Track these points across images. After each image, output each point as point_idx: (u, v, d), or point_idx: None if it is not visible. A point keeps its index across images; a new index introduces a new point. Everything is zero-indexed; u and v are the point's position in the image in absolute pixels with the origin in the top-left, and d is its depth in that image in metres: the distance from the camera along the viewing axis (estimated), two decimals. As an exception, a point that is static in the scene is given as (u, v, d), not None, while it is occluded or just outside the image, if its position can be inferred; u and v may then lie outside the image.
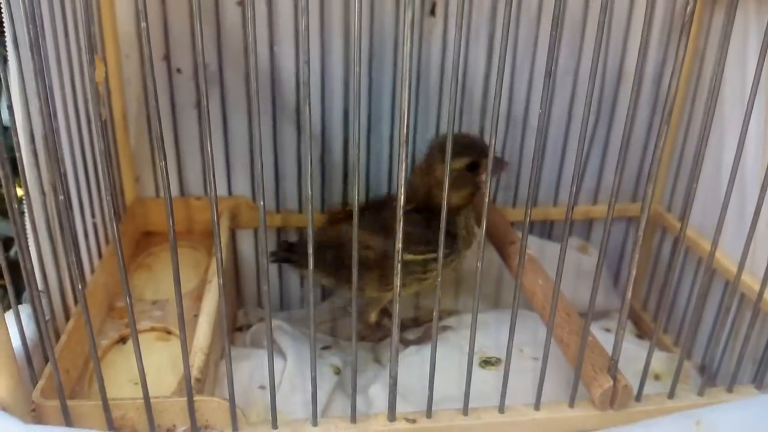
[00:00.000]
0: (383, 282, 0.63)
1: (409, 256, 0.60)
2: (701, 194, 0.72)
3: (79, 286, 0.41)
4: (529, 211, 0.45)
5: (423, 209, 0.61)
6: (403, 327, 0.70)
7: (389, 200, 0.69)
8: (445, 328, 0.67)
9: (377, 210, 0.66)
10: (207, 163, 0.39)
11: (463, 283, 0.76)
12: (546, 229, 0.84)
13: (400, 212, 0.41)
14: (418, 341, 0.67)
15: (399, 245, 0.42)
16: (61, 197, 0.40)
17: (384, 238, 0.61)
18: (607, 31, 0.74)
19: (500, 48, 0.37)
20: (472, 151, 0.61)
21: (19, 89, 0.47)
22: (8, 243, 0.49)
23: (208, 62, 0.71)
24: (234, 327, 0.75)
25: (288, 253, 0.70)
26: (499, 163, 0.62)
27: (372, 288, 0.64)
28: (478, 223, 0.61)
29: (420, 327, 0.71)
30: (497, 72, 0.38)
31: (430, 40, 0.72)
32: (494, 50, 0.73)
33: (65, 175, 0.54)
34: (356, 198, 0.41)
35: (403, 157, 0.39)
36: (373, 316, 0.68)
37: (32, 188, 0.49)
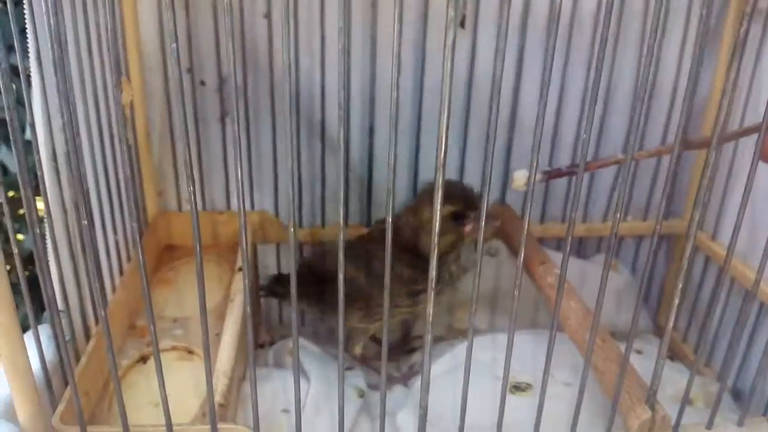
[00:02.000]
0: (368, 314, 0.62)
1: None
2: (734, 213, 0.71)
3: (102, 313, 0.40)
4: (569, 239, 0.43)
5: (408, 249, 0.61)
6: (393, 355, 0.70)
7: (377, 230, 0.68)
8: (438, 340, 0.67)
9: (368, 240, 0.66)
10: (236, 181, 0.37)
11: (499, 303, 0.75)
12: (574, 246, 0.82)
13: (433, 245, 0.40)
14: (403, 379, 0.66)
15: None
16: (85, 222, 0.39)
17: (367, 271, 0.61)
18: (640, 49, 0.72)
19: (543, 83, 0.35)
20: (458, 201, 0.60)
21: (42, 107, 0.46)
22: (30, 258, 0.48)
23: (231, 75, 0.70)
24: (256, 344, 0.74)
25: (275, 286, 0.70)
26: (488, 219, 0.60)
27: (356, 319, 0.63)
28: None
29: (410, 355, 0.71)
30: (539, 107, 0.37)
31: (459, 52, 0.71)
32: (524, 66, 0.72)
33: (88, 192, 0.53)
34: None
35: (440, 183, 0.38)
36: (357, 348, 0.67)
37: (54, 206, 0.48)
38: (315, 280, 0.62)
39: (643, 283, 0.47)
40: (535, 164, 0.40)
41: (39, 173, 0.46)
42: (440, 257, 0.60)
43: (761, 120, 0.41)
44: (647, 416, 0.47)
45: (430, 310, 0.42)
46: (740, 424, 0.51)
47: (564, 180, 0.78)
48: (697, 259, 0.78)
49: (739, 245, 0.68)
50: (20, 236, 0.88)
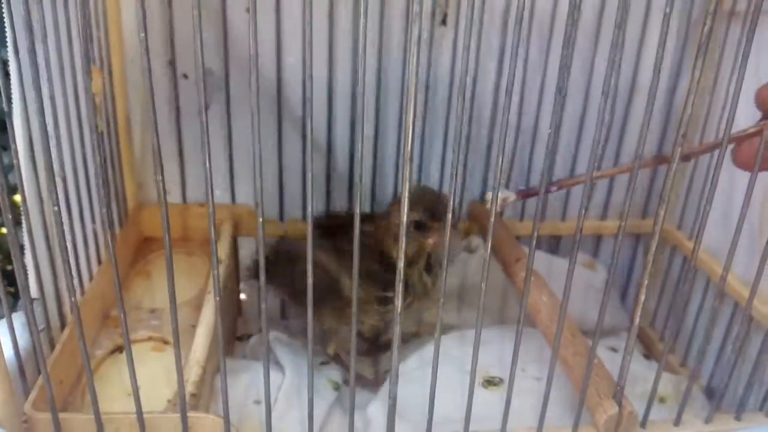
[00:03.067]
0: (339, 314, 0.62)
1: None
2: (713, 213, 0.71)
3: (74, 298, 0.40)
4: (536, 228, 0.44)
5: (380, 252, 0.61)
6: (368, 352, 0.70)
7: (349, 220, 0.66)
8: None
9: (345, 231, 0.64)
10: (206, 173, 0.38)
11: (466, 297, 0.75)
12: (554, 245, 0.82)
13: (403, 230, 0.40)
14: (375, 384, 0.66)
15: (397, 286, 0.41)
16: (55, 208, 0.39)
17: (338, 266, 0.61)
18: (621, 45, 0.72)
19: (509, 70, 0.35)
20: (422, 211, 0.59)
21: (19, 97, 0.46)
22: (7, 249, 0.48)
23: (214, 68, 0.70)
24: (234, 336, 0.74)
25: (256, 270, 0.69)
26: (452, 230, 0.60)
27: (329, 318, 0.64)
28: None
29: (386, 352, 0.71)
30: (503, 104, 0.37)
31: (440, 50, 0.71)
32: (504, 62, 0.72)
33: (65, 180, 0.53)
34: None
35: (407, 175, 0.38)
36: (330, 348, 0.67)
37: (30, 196, 0.48)
38: (292, 270, 0.62)
39: (611, 276, 0.48)
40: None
41: (15, 161, 0.46)
42: (407, 265, 0.60)
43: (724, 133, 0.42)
44: (614, 411, 0.48)
45: (398, 302, 0.42)
46: (708, 420, 0.52)
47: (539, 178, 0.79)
48: (676, 258, 0.79)
49: (718, 245, 0.69)
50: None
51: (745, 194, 0.45)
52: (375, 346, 0.71)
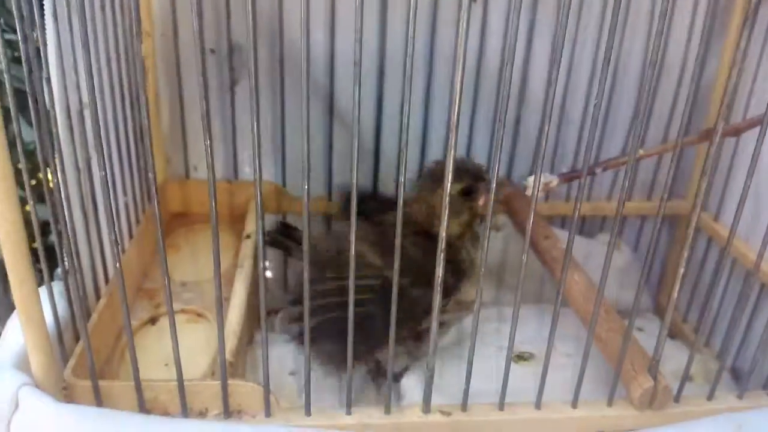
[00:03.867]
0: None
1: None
2: (733, 187, 0.71)
3: (117, 264, 0.41)
4: (578, 208, 0.44)
5: (423, 233, 0.58)
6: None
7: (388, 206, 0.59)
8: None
9: (379, 220, 0.61)
10: (254, 149, 0.38)
11: (505, 277, 0.75)
12: (578, 225, 0.82)
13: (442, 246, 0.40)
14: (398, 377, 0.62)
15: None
16: (103, 173, 0.40)
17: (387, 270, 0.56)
18: (649, 24, 0.72)
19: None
20: (465, 176, 0.59)
21: (57, 62, 0.46)
22: (45, 228, 0.49)
23: (242, 43, 0.70)
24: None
25: (283, 237, 0.66)
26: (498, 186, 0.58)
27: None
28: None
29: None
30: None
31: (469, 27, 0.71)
32: (534, 40, 0.72)
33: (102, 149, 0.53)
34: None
35: (452, 143, 0.38)
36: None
37: (67, 164, 0.48)
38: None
39: (646, 263, 0.47)
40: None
41: (54, 130, 0.46)
42: (460, 240, 0.59)
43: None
44: (649, 385, 0.48)
45: (440, 272, 0.42)
46: (740, 397, 0.52)
47: (569, 160, 0.78)
48: (700, 239, 0.79)
49: (742, 226, 0.69)
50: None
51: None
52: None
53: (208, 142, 0.37)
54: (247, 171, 0.75)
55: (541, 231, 0.66)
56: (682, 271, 0.46)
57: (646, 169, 0.79)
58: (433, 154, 0.75)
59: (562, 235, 0.79)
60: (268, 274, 0.79)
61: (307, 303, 0.42)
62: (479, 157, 0.75)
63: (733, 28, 0.72)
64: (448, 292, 0.59)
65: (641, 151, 0.55)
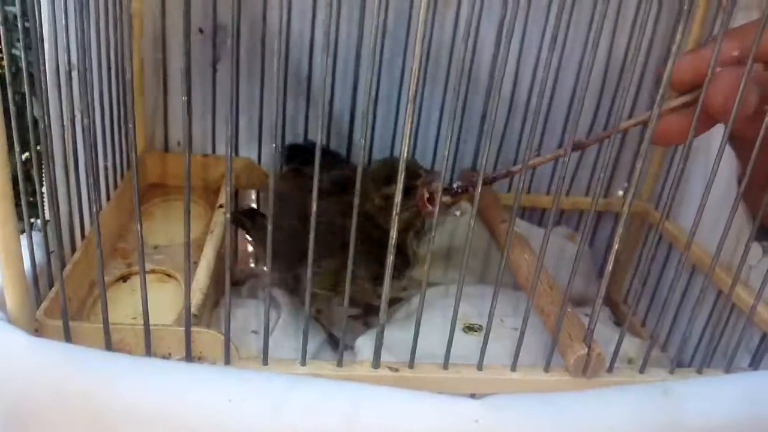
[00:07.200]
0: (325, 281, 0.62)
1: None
2: (688, 190, 0.75)
3: (94, 209, 0.44)
4: (519, 192, 0.47)
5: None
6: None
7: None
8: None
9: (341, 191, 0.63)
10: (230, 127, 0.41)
11: (452, 259, 0.79)
12: (536, 217, 0.86)
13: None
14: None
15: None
16: (86, 120, 0.43)
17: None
18: (615, 21, 0.76)
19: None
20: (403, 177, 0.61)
21: (49, 21, 0.49)
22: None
23: (226, 23, 0.73)
24: (231, 281, 0.77)
25: (243, 217, 0.68)
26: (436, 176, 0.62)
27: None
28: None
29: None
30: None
31: (442, 20, 0.75)
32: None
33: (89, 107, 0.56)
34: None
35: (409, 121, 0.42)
36: (313, 309, 0.66)
37: (54, 120, 0.51)
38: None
39: (581, 245, 0.51)
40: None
41: (41, 85, 0.49)
42: (407, 232, 0.63)
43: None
44: (583, 352, 0.52)
45: (393, 234, 0.46)
46: (671, 372, 0.56)
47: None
48: (651, 237, 0.83)
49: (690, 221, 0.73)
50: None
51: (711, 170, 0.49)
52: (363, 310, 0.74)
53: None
54: (223, 146, 0.78)
55: (498, 216, 0.70)
56: (616, 246, 0.50)
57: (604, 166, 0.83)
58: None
59: (522, 224, 0.84)
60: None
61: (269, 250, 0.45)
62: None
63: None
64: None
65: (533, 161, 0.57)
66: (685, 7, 0.42)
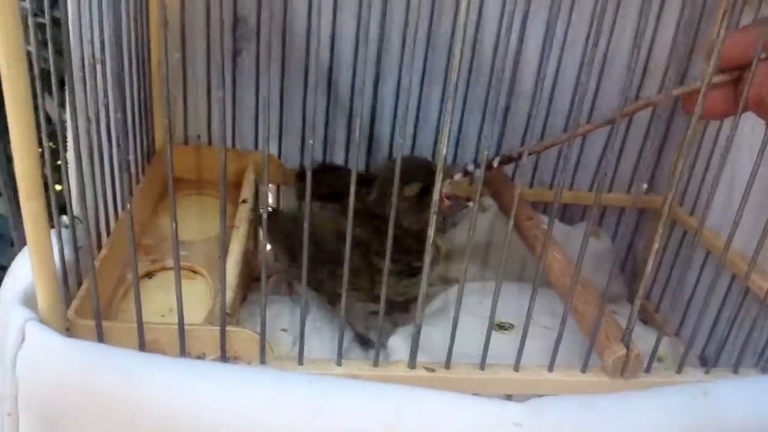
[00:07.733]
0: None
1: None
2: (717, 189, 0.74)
3: (128, 205, 0.43)
4: (560, 189, 0.46)
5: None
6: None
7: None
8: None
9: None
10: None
11: (490, 258, 0.78)
12: (559, 212, 0.86)
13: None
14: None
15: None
16: (118, 115, 0.42)
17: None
18: (637, 20, 0.75)
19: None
20: (418, 174, 0.62)
21: (74, 17, 0.48)
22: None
23: (247, 15, 0.72)
24: (252, 277, 0.76)
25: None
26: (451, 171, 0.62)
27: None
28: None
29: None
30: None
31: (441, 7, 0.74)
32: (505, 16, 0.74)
33: (107, 106, 0.55)
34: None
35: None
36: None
37: (80, 114, 0.50)
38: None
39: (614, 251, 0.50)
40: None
41: (67, 78, 0.47)
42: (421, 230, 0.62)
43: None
44: (622, 353, 0.51)
45: (431, 233, 0.45)
46: (707, 372, 0.55)
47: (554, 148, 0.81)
48: (676, 232, 0.83)
49: (718, 218, 0.72)
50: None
51: (751, 172, 0.48)
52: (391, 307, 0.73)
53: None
54: (245, 139, 0.77)
55: (524, 213, 0.69)
56: (656, 246, 0.49)
57: (627, 162, 0.82)
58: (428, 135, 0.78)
59: (545, 220, 0.83)
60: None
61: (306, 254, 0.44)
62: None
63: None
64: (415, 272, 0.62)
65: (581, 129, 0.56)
66: None
